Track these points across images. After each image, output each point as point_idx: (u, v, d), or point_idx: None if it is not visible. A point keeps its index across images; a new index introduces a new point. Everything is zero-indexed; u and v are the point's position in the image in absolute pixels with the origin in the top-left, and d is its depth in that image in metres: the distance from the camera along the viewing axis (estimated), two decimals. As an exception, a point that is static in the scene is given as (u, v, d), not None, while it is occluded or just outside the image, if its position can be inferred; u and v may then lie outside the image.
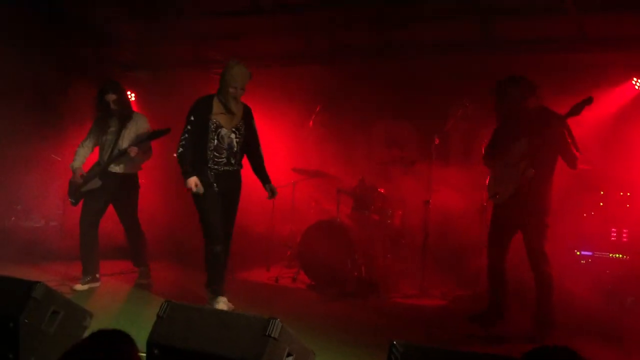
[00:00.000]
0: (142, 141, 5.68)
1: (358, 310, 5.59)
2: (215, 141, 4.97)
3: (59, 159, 7.66)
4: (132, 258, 6.08)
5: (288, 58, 7.58)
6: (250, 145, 5.23)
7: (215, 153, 4.98)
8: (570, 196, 6.26)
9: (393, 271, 6.51)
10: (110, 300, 5.42)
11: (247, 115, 5.21)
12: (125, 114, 5.79)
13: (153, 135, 5.66)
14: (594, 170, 6.35)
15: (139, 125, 5.81)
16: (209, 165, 4.98)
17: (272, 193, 5.28)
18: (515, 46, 6.36)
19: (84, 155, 5.88)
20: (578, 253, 6.24)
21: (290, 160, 7.56)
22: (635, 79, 6.54)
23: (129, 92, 7.56)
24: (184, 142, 4.93)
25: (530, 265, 4.82)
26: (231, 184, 5.13)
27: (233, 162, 5.08)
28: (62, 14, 6.90)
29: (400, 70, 7.49)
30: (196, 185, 4.87)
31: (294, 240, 6.81)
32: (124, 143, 5.70)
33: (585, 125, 6.39)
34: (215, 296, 5.00)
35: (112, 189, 5.77)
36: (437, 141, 6.24)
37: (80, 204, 5.81)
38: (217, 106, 5.02)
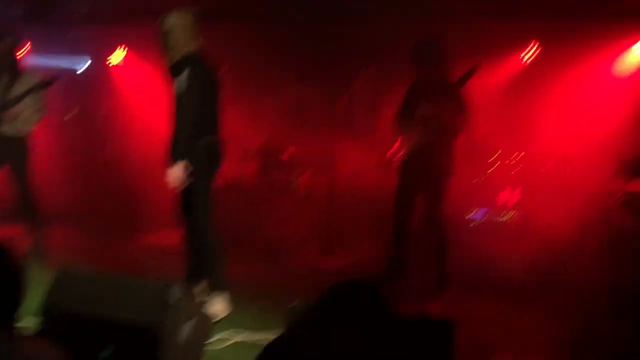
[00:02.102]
0: (27, 97, 5.33)
1: (260, 272, 5.62)
2: None
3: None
4: (26, 221, 5.78)
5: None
6: None
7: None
8: (464, 159, 6.49)
9: (297, 233, 6.52)
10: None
11: None
12: (13, 70, 5.43)
13: (37, 86, 5.33)
14: (489, 133, 6.58)
15: (27, 83, 5.44)
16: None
17: None
18: (422, 13, 6.41)
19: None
20: (471, 214, 6.38)
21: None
22: (532, 44, 6.73)
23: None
24: None
25: (427, 227, 5.06)
26: None
27: None
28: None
29: (311, 34, 7.41)
30: None
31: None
32: (11, 98, 5.36)
33: (483, 91, 6.65)
34: None
35: (3, 151, 5.43)
36: (343, 104, 6.29)
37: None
38: None
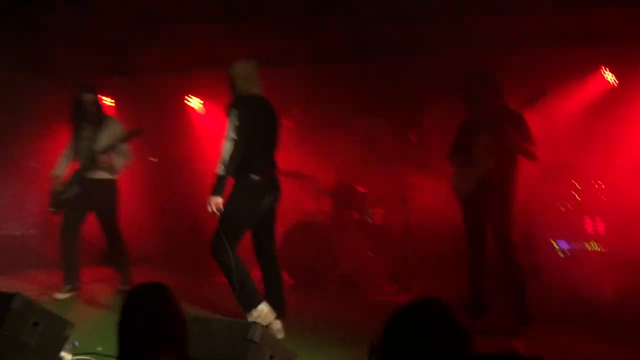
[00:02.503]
0: (115, 145, 5.64)
1: (339, 308, 5.63)
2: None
3: (37, 166, 7.59)
4: (113, 264, 6.06)
5: (263, 59, 7.55)
6: None
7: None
8: (546, 188, 6.38)
9: (374, 269, 6.54)
10: (92, 309, 5.40)
11: None
12: (99, 118, 5.77)
13: (125, 136, 5.64)
14: (568, 162, 6.47)
15: (112, 129, 5.78)
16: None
17: None
18: (490, 44, 6.41)
19: (65, 164, 5.87)
20: (556, 245, 6.31)
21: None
22: (604, 70, 6.61)
23: (106, 98, 7.53)
24: None
25: (499, 257, 4.92)
26: None
27: None
28: (37, 19, 6.82)
29: (375, 70, 7.53)
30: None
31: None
32: (99, 148, 5.68)
33: (559, 118, 6.56)
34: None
35: (91, 196, 5.74)
36: (413, 139, 6.29)
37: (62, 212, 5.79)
38: None
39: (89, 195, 5.74)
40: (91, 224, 5.96)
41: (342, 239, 6.49)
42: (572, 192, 6.41)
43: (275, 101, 7.87)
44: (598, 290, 5.82)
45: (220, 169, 4.42)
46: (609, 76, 6.60)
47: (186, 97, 8.59)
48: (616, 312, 5.30)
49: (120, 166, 5.85)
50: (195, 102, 8.69)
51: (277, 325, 4.57)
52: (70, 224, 5.74)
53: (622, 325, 4.99)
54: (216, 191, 4.42)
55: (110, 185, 5.83)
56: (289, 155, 7.45)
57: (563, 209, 6.42)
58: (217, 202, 4.42)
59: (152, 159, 6.77)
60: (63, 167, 5.82)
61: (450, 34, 6.35)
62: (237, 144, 4.40)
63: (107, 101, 7.84)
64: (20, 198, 7.94)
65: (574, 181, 6.42)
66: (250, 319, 4.42)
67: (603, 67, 6.57)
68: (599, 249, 6.14)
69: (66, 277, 5.72)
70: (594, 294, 5.75)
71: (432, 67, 6.97)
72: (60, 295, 5.58)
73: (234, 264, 4.48)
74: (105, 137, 5.73)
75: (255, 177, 4.53)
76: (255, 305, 4.48)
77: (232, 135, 4.41)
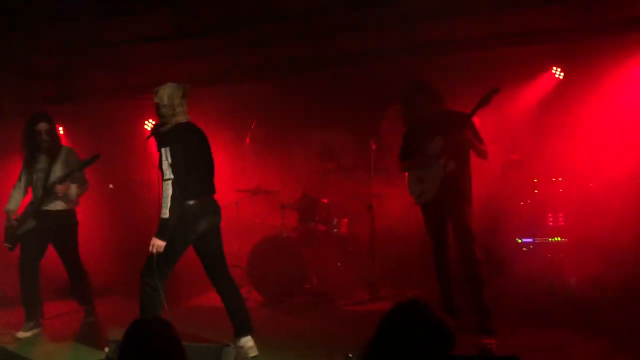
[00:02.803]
0: (72, 174, 5.49)
1: (312, 321, 5.60)
2: None
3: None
4: (76, 297, 5.88)
5: (216, 76, 7.53)
6: None
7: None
8: (506, 186, 6.50)
9: (344, 279, 6.52)
10: (57, 345, 5.20)
11: None
12: (54, 148, 5.61)
13: (82, 164, 5.50)
14: (526, 159, 6.61)
15: (67, 159, 5.62)
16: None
17: None
18: (439, 47, 6.51)
19: (17, 197, 5.65)
20: (519, 241, 6.43)
21: (231, 180, 7.48)
22: (554, 68, 6.81)
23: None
24: None
25: (459, 249, 4.98)
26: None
27: None
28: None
29: (330, 80, 7.57)
30: None
31: (241, 259, 6.74)
32: (55, 178, 5.51)
33: (512, 116, 6.71)
34: None
35: (49, 229, 5.56)
36: (373, 146, 6.32)
37: (19, 247, 5.59)
38: None
39: (46, 228, 5.55)
40: (49, 256, 5.77)
41: (309, 251, 6.46)
42: (531, 187, 6.54)
43: (233, 118, 7.90)
44: (563, 281, 5.98)
45: (164, 213, 4.27)
46: (558, 72, 6.78)
47: (145, 121, 8.46)
48: (582, 301, 5.42)
49: (78, 195, 5.68)
50: (151, 124, 8.55)
51: (250, 342, 4.49)
52: (29, 258, 5.54)
53: (590, 314, 5.10)
54: (163, 236, 4.31)
55: (68, 216, 5.66)
56: (250, 172, 7.44)
57: (523, 204, 6.54)
58: (160, 246, 4.32)
59: (110, 186, 6.63)
60: (14, 201, 5.62)
61: (401, 39, 6.42)
62: (176, 183, 4.26)
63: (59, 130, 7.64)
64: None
65: (534, 178, 6.55)
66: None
67: (554, 67, 6.75)
68: (560, 240, 6.26)
69: (27, 315, 5.51)
70: (559, 286, 5.90)
71: (385, 73, 7.04)
72: (22, 334, 5.36)
73: (160, 292, 4.47)
74: (60, 167, 5.56)
75: (190, 203, 4.40)
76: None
77: (169, 175, 4.26)
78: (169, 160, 4.26)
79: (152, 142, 8.58)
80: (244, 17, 6.07)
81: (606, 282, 5.61)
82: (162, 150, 4.30)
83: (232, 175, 7.65)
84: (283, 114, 7.67)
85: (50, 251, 5.70)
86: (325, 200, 6.72)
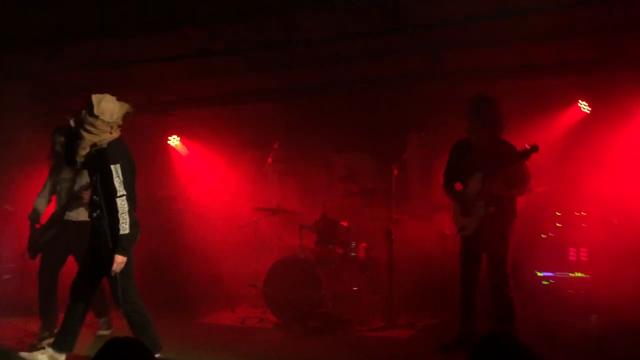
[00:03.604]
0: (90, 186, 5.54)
1: (327, 346, 5.52)
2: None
3: (11, 209, 7.44)
4: (93, 308, 5.89)
5: (242, 97, 7.61)
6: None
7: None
8: (528, 218, 6.41)
9: (360, 304, 6.46)
10: (71, 355, 5.21)
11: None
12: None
13: None
14: (549, 191, 6.52)
15: None
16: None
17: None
18: (466, 76, 6.51)
19: (41, 206, 5.72)
20: (540, 274, 6.34)
21: (251, 198, 7.52)
22: (581, 102, 6.77)
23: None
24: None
25: (491, 288, 4.92)
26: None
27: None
28: (16, 62, 6.78)
29: (355, 103, 7.60)
30: None
31: (258, 278, 6.73)
32: (79, 189, 5.56)
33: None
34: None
35: (70, 238, 5.59)
36: (395, 172, 6.30)
37: (39, 256, 5.64)
38: None
39: (68, 238, 5.59)
40: (69, 266, 5.81)
41: (326, 274, 6.42)
42: (554, 220, 6.45)
43: (256, 137, 7.96)
44: (583, 318, 5.86)
45: (124, 229, 4.34)
46: (584, 106, 6.72)
47: (168, 137, 8.58)
48: (601, 339, 5.30)
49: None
50: (176, 141, 8.68)
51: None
52: (49, 268, 5.58)
53: (609, 352, 4.98)
54: (126, 252, 4.38)
55: (89, 226, 5.70)
56: (271, 191, 7.47)
57: (545, 237, 6.46)
58: (123, 263, 4.39)
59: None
60: (38, 210, 5.68)
61: (428, 66, 6.43)
62: (128, 197, 4.37)
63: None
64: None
65: (557, 212, 6.47)
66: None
67: (579, 100, 6.70)
68: (582, 276, 6.16)
69: (43, 324, 5.54)
70: (579, 322, 5.78)
71: (411, 100, 7.05)
72: (38, 344, 5.39)
73: (141, 306, 4.60)
74: (85, 177, 5.61)
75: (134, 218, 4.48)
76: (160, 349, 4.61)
77: (122, 191, 4.35)
78: (120, 177, 4.35)
79: (176, 156, 8.75)
80: (269, 40, 6.13)
81: (627, 321, 5.48)
82: (112, 167, 4.34)
83: (252, 194, 7.70)
84: (306, 136, 7.72)
85: (70, 261, 5.74)
86: (345, 223, 6.69)
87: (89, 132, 4.43)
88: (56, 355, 4.70)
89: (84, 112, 4.45)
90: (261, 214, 7.00)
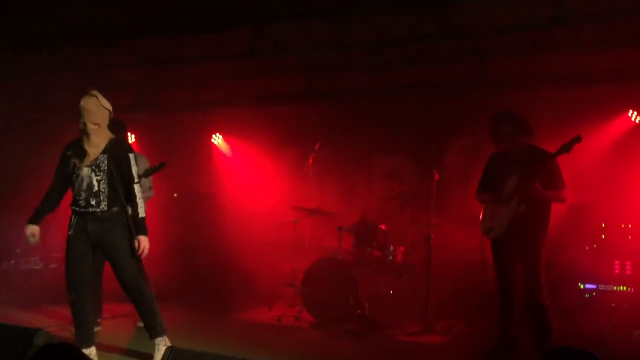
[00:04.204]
0: (139, 179, 5.66)
1: (361, 348, 5.53)
2: (77, 182, 4.60)
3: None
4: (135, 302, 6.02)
5: (286, 98, 7.68)
6: (117, 186, 4.64)
7: (76, 195, 4.62)
8: (572, 229, 6.29)
9: (396, 308, 6.45)
10: (111, 344, 5.35)
11: (114, 152, 4.64)
12: None
13: (147, 172, 5.66)
14: (595, 202, 6.40)
15: (138, 165, 5.80)
16: (73, 208, 4.67)
17: (139, 247, 4.63)
18: (513, 83, 6.43)
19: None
20: (582, 286, 6.21)
21: (291, 198, 7.57)
22: (631, 111, 6.61)
23: (129, 134, 7.62)
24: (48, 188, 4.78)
25: (524, 295, 4.85)
26: (99, 227, 4.61)
27: (93, 203, 4.57)
28: (64, 59, 6.99)
29: (398, 107, 7.59)
30: (32, 236, 4.76)
31: (296, 278, 6.77)
32: None
33: (584, 158, 6.49)
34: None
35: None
36: (436, 176, 6.26)
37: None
38: (75, 144, 4.67)
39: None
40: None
41: (363, 276, 6.42)
42: (598, 232, 6.31)
43: (298, 138, 8.02)
44: (625, 332, 5.71)
45: (142, 213, 4.66)
46: (634, 116, 6.57)
47: (213, 134, 8.72)
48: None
49: (144, 201, 5.84)
50: (219, 140, 8.81)
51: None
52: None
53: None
54: (146, 233, 4.67)
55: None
56: (310, 192, 7.51)
57: (588, 249, 6.32)
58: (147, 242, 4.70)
59: (175, 195, 6.87)
60: None
61: (475, 72, 6.38)
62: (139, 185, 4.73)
63: (130, 137, 7.95)
64: (41, 233, 7.97)
65: (601, 223, 6.32)
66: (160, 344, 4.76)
67: (630, 110, 6.55)
68: (626, 290, 6.01)
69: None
70: (621, 336, 5.64)
71: (456, 105, 7.00)
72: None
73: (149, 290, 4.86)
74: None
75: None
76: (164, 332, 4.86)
77: (136, 178, 4.69)
78: (135, 165, 4.69)
79: (219, 155, 8.88)
80: (317, 43, 6.18)
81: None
82: (130, 155, 4.67)
83: (292, 194, 7.75)
84: (348, 138, 7.73)
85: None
86: (383, 227, 6.68)
87: (105, 126, 4.68)
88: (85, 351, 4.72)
89: (98, 107, 4.59)
90: (300, 214, 7.05)
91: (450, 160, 6.63)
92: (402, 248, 6.69)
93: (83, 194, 4.58)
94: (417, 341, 5.77)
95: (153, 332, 4.85)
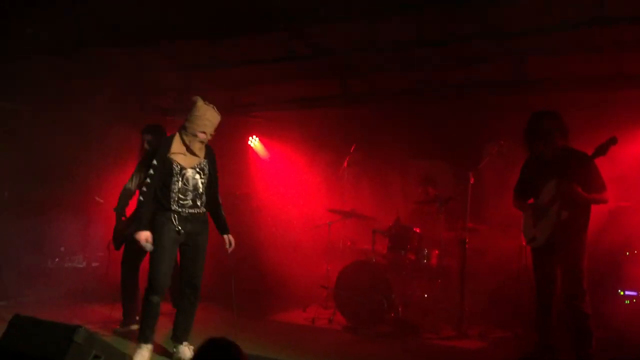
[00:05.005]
0: None
1: (395, 351, 5.54)
2: (180, 183, 4.72)
3: (102, 201, 7.85)
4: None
5: (322, 100, 7.71)
6: (210, 189, 4.93)
7: (180, 195, 4.72)
8: (612, 234, 6.16)
9: (430, 312, 6.42)
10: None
11: (211, 156, 4.96)
12: None
13: None
14: (635, 207, 6.25)
15: None
16: (174, 208, 4.72)
17: (230, 244, 5.06)
18: (551, 85, 6.33)
19: (126, 199, 6.02)
20: (622, 293, 6.07)
21: (326, 201, 7.62)
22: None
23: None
24: (145, 190, 4.71)
25: (565, 303, 4.75)
26: (198, 227, 4.86)
27: (199, 204, 4.83)
28: (109, 62, 7.17)
29: (434, 109, 7.56)
30: (146, 241, 4.67)
31: (330, 280, 6.81)
32: None
33: (624, 161, 6.35)
34: (139, 344, 4.81)
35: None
36: (472, 180, 6.21)
37: (123, 247, 5.94)
38: (176, 145, 4.77)
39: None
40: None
41: (397, 280, 6.42)
42: (638, 237, 6.17)
43: (334, 140, 8.06)
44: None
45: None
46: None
47: (249, 137, 8.83)
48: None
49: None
50: (255, 142, 8.92)
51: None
52: (131, 259, 5.87)
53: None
54: None
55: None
56: (345, 194, 7.55)
57: (629, 254, 6.18)
58: None
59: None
60: (123, 202, 5.98)
61: (512, 73, 6.30)
62: None
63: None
64: (85, 232, 8.23)
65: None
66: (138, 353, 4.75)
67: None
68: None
69: (125, 311, 5.85)
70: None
71: (492, 107, 6.93)
72: (120, 330, 5.71)
73: None
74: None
75: None
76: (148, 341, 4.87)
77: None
78: None
79: (255, 157, 8.98)
80: (354, 44, 6.19)
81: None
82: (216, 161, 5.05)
83: (327, 196, 7.80)
84: (383, 140, 7.73)
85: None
86: (418, 230, 6.66)
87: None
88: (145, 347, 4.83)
89: (217, 120, 4.85)
90: (335, 217, 7.08)
91: (486, 163, 6.55)
92: (436, 252, 6.66)
93: (190, 194, 4.76)
94: (451, 345, 5.75)
95: (186, 335, 4.99)
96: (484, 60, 6.31)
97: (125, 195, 5.95)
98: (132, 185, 6.00)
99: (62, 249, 8.35)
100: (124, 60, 7.09)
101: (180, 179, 4.71)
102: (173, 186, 4.69)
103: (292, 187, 8.55)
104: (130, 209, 6.02)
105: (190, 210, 4.78)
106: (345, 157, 7.35)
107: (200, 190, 4.81)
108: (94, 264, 8.22)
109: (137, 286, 5.90)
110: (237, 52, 6.67)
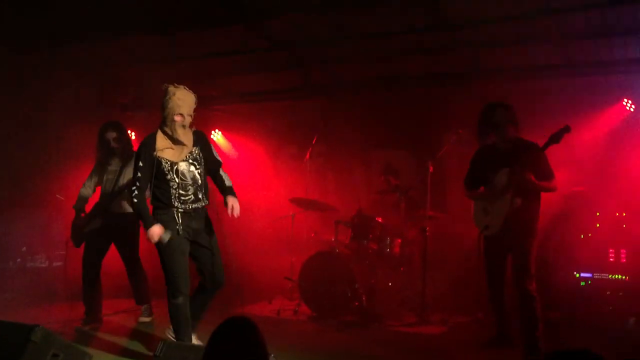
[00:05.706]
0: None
1: (360, 340, 5.61)
2: (177, 179, 4.47)
3: (62, 199, 7.75)
4: (134, 296, 6.14)
5: (284, 92, 7.73)
6: (212, 170, 4.75)
7: (180, 191, 4.49)
8: (567, 218, 6.34)
9: (393, 300, 6.52)
10: (112, 340, 5.45)
11: (202, 141, 4.69)
12: (126, 152, 5.89)
13: None
14: (589, 191, 6.44)
15: None
16: (176, 205, 4.50)
17: (233, 208, 4.62)
18: (506, 74, 6.46)
19: (85, 196, 5.97)
20: (577, 275, 6.26)
21: (289, 193, 7.65)
22: (626, 100, 6.63)
23: (129, 131, 7.71)
24: (136, 192, 4.43)
25: (515, 286, 4.84)
26: (202, 223, 4.67)
27: (201, 196, 4.61)
28: (65, 58, 7.07)
29: (395, 100, 7.63)
30: (160, 235, 4.41)
31: (294, 272, 6.85)
32: (124, 182, 5.78)
33: (579, 147, 6.55)
34: None
35: (113, 228, 5.84)
36: (431, 169, 6.31)
37: (83, 244, 5.89)
38: (161, 141, 4.49)
39: (111, 228, 5.83)
40: (114, 256, 6.05)
41: (360, 269, 6.49)
42: (593, 220, 6.36)
43: (295, 133, 8.10)
44: (621, 320, 5.77)
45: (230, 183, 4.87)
46: (629, 104, 6.60)
47: (212, 131, 8.79)
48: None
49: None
50: (218, 136, 8.88)
51: None
52: (92, 256, 5.84)
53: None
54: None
55: (132, 217, 5.91)
56: (308, 186, 7.59)
57: (583, 237, 6.36)
58: None
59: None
60: (82, 200, 5.93)
61: (467, 64, 6.41)
62: None
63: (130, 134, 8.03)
64: (46, 231, 8.11)
65: (596, 212, 6.36)
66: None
67: (625, 98, 6.57)
68: (621, 278, 6.05)
69: (88, 309, 5.81)
70: (616, 324, 5.69)
71: (449, 97, 7.04)
72: (81, 328, 5.67)
73: None
74: (130, 171, 5.83)
75: None
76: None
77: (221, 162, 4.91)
78: None
79: (217, 151, 8.94)
80: (311, 36, 6.22)
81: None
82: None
83: (290, 188, 7.82)
84: (343, 132, 7.80)
85: (112, 250, 5.98)
86: (380, 219, 6.73)
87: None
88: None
89: (191, 98, 4.54)
90: (297, 208, 7.12)
91: (445, 152, 6.66)
92: (399, 240, 6.74)
93: (191, 189, 4.51)
94: (414, 332, 5.85)
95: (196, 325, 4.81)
96: (438, 51, 6.41)
97: (82, 200, 5.91)
98: (88, 190, 5.95)
99: (24, 249, 8.23)
100: (82, 56, 7.00)
101: (174, 175, 4.46)
102: (172, 183, 4.46)
103: (255, 180, 8.55)
104: (89, 206, 5.97)
105: (193, 205, 4.54)
106: (308, 148, 7.38)
107: (200, 181, 4.57)
108: (56, 263, 8.11)
109: (99, 282, 5.87)
110: (195, 45, 6.64)
